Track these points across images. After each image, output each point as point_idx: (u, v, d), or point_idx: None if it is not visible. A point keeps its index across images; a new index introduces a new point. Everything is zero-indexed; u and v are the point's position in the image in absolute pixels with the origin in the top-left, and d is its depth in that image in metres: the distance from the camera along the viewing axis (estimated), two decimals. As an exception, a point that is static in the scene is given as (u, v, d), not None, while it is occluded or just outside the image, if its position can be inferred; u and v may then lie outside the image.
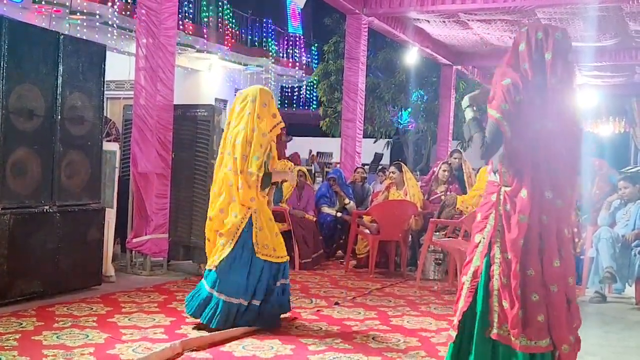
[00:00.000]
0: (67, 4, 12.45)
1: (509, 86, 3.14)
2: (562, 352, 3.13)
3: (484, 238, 3.25)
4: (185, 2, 15.52)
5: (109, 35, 13.52)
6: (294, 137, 16.60)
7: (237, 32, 18.07)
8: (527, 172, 3.13)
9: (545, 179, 3.14)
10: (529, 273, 3.13)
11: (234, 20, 17.76)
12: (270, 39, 19.79)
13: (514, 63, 3.24)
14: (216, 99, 18.68)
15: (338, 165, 12.00)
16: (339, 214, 8.35)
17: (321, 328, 4.82)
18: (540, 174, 3.14)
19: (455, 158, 8.66)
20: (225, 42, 17.31)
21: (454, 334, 3.26)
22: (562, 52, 3.17)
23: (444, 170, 8.06)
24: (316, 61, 21.67)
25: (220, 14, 17.07)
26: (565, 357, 3.14)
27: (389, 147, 20.86)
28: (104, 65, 6.01)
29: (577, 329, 3.22)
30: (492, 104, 3.19)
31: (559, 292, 3.13)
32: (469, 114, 3.38)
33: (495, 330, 3.14)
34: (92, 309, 5.09)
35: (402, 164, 8.09)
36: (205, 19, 16.45)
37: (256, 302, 4.62)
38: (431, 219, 7.15)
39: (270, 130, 4.80)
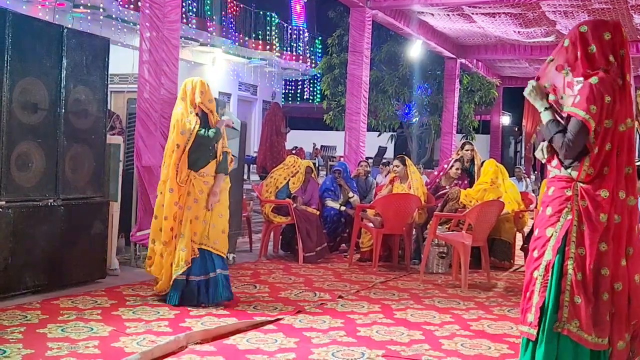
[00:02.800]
0: (71, -3, 12.47)
1: (599, 86, 3.14)
2: (617, 349, 3.16)
3: (556, 232, 3.23)
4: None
5: (112, 28, 13.52)
6: (298, 131, 16.59)
7: (241, 25, 18.05)
8: (611, 172, 3.16)
9: (622, 179, 3.19)
10: (602, 272, 3.15)
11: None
12: (274, 32, 19.76)
13: (587, 61, 3.23)
14: (220, 92, 18.69)
15: (342, 159, 12.00)
16: (342, 208, 8.35)
17: (325, 321, 4.82)
18: (619, 174, 3.18)
19: (467, 150, 8.57)
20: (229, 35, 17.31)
21: (534, 331, 3.23)
22: (628, 50, 3.25)
23: (457, 169, 8.02)
24: (320, 54, 21.63)
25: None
26: (618, 354, 3.18)
27: (393, 141, 20.83)
28: (108, 58, 6.00)
29: (635, 327, 3.23)
30: (579, 104, 3.16)
31: (623, 290, 3.18)
32: (546, 117, 3.35)
33: (565, 326, 3.14)
34: (96, 302, 5.11)
35: (406, 158, 8.07)
36: (209, 12, 16.43)
37: None
38: (435, 213, 7.15)
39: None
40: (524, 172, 16.94)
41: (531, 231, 7.86)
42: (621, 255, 3.18)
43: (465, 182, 8.12)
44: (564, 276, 3.18)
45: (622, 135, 3.18)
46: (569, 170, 3.25)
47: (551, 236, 3.24)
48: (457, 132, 17.41)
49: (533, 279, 3.27)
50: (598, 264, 3.15)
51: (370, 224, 7.60)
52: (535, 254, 3.30)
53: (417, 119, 17.88)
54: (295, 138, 17.93)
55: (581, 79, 3.21)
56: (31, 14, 10.76)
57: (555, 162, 3.32)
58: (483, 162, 8.24)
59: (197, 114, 5.14)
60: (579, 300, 3.12)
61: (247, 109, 22.21)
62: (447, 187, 8.02)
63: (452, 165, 8.09)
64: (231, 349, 4.07)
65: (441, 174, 8.26)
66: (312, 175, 8.30)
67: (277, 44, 20.00)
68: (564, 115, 3.31)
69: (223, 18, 17.30)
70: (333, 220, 8.37)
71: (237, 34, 17.91)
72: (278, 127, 14.02)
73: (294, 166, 8.11)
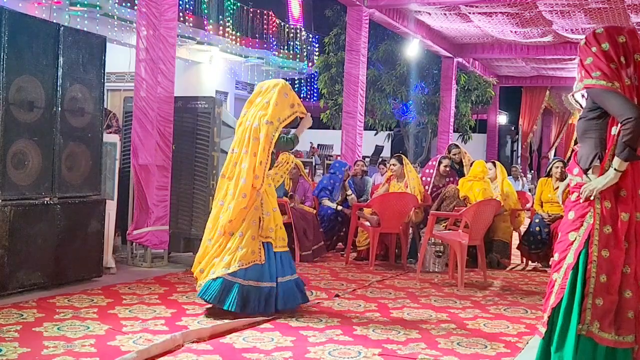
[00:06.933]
0: (68, -5, 12.44)
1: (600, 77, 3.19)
2: None
3: (579, 236, 3.24)
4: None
5: (109, 26, 13.49)
6: (294, 130, 16.56)
7: (238, 23, 18.03)
8: (630, 171, 3.16)
9: (638, 178, 3.19)
10: (624, 270, 3.18)
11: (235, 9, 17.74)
12: (271, 31, 19.74)
13: (603, 56, 3.25)
14: (217, 91, 18.67)
15: (339, 158, 12.00)
16: (339, 208, 8.34)
17: (321, 320, 4.82)
18: (636, 173, 3.18)
19: (454, 154, 8.66)
20: (226, 34, 17.29)
21: (543, 329, 3.29)
22: None
23: (445, 166, 8.04)
24: (317, 53, 21.62)
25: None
26: None
27: (390, 140, 20.83)
28: (105, 57, 6.00)
29: None
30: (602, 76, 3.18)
31: None
32: (618, 161, 3.17)
33: (588, 328, 3.16)
34: (92, 300, 5.10)
35: (403, 157, 8.07)
36: (206, 11, 16.42)
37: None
38: (431, 212, 7.15)
39: (287, 118, 5.03)
40: (521, 171, 16.98)
41: (527, 230, 7.90)
42: None
43: (456, 178, 8.15)
44: (587, 280, 3.19)
45: None
46: (590, 176, 3.25)
47: (574, 240, 3.26)
48: (454, 131, 17.42)
49: (552, 280, 3.32)
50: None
51: (367, 223, 7.60)
52: (556, 257, 3.33)
53: (413, 117, 17.87)
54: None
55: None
56: (27, 11, 10.73)
57: (577, 170, 3.33)
58: (473, 161, 8.27)
59: None
60: (600, 302, 3.15)
61: (244, 108, 22.11)
62: (440, 185, 8.03)
63: (440, 163, 8.09)
64: (227, 348, 4.07)
65: (430, 171, 8.24)
66: (302, 174, 8.27)
67: (274, 43, 19.98)
68: (584, 97, 3.36)
69: (220, 16, 17.26)
70: (330, 219, 8.38)
71: (234, 32, 17.88)
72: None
73: (287, 163, 8.10)
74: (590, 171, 3.26)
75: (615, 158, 3.14)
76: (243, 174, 4.82)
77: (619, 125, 3.13)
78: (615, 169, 3.13)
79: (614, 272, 3.16)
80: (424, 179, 8.14)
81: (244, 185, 4.79)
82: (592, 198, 3.20)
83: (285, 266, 4.94)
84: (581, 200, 3.24)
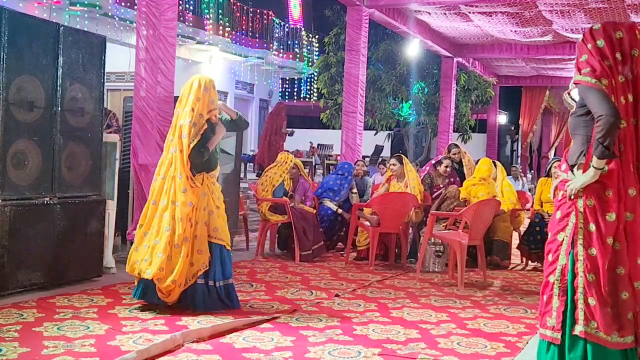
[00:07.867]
0: (67, -6, 12.45)
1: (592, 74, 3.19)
2: None
3: (567, 236, 3.23)
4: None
5: (109, 26, 13.51)
6: (295, 129, 16.63)
7: (238, 23, 18.05)
8: (616, 170, 3.13)
9: (631, 176, 3.16)
10: (618, 271, 3.15)
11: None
12: (271, 31, 19.76)
13: (597, 53, 3.24)
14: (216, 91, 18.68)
15: (340, 158, 11.99)
16: (339, 210, 8.33)
17: (321, 320, 4.83)
18: (627, 172, 3.16)
19: (454, 153, 8.65)
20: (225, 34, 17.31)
21: (558, 335, 3.23)
22: None
23: (446, 166, 8.04)
24: (317, 53, 21.61)
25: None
26: None
27: (390, 140, 20.81)
28: (104, 56, 6.00)
29: None
30: (588, 73, 3.18)
31: None
32: (596, 162, 3.15)
33: (582, 328, 3.13)
34: (92, 300, 5.10)
35: (403, 156, 8.07)
36: (206, 10, 16.43)
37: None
38: (431, 211, 7.14)
39: (208, 112, 4.99)
40: (521, 170, 16.97)
41: (527, 230, 7.90)
42: (637, 253, 3.16)
43: (457, 179, 8.15)
44: (575, 278, 3.17)
45: (623, 132, 3.17)
46: (574, 174, 3.24)
47: (563, 240, 3.25)
48: (454, 131, 17.40)
49: (550, 283, 3.29)
50: (613, 263, 3.13)
51: (367, 223, 7.60)
52: (550, 257, 3.31)
53: (413, 118, 17.87)
54: (292, 136, 17.94)
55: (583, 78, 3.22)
56: (27, 11, 10.74)
57: (564, 166, 3.33)
58: (478, 160, 8.26)
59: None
60: (593, 302, 3.12)
61: (244, 108, 22.20)
62: (441, 185, 8.02)
63: (441, 163, 8.09)
64: (227, 348, 4.08)
65: (427, 168, 8.25)
66: (301, 174, 8.26)
67: (274, 42, 19.99)
68: (575, 95, 3.36)
69: (220, 16, 17.28)
70: (330, 219, 8.37)
71: (233, 32, 17.88)
72: (279, 127, 14.15)
73: (287, 162, 8.09)
74: (575, 168, 3.25)
75: (593, 156, 3.14)
76: (178, 171, 4.88)
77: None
78: (594, 167, 3.12)
79: (600, 271, 3.12)
80: (422, 175, 8.16)
81: (180, 182, 4.86)
82: (572, 197, 3.19)
83: (228, 268, 5.04)
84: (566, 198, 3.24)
